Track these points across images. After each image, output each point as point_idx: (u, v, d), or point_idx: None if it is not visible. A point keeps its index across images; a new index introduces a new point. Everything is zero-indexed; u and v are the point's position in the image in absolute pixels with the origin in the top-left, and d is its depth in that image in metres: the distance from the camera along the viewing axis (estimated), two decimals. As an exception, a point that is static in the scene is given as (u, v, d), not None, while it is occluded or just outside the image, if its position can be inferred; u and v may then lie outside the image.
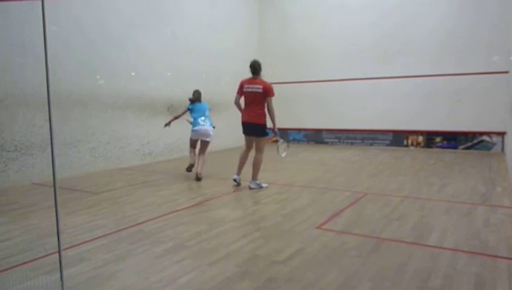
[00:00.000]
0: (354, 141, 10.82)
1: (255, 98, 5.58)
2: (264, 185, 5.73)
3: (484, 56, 9.08)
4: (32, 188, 5.99)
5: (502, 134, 9.00)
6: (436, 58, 9.59)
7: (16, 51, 6.08)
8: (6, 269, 2.99)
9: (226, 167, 7.76)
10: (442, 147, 9.69)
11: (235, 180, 5.82)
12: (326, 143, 11.27)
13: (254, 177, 5.69)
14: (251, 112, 5.64)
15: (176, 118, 7.07)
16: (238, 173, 5.86)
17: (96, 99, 7.38)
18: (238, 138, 11.37)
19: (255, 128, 5.67)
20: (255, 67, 5.68)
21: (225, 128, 10.70)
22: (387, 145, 10.30)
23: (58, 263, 2.63)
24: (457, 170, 6.90)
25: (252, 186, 5.65)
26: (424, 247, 3.31)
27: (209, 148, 11.50)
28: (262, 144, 5.74)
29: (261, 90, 5.56)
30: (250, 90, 5.61)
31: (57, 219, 2.59)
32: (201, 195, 5.36)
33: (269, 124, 5.77)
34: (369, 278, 2.73)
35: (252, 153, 5.85)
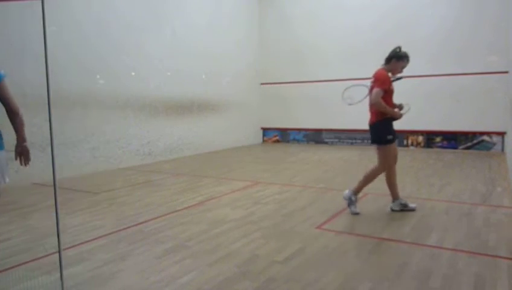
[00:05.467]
0: (354, 141, 10.82)
1: (369, 94, 4.38)
2: (355, 209, 4.30)
3: (484, 56, 9.08)
4: (32, 188, 5.99)
5: (502, 134, 9.00)
6: (436, 58, 9.58)
7: (16, 51, 6.09)
8: (6, 269, 2.99)
9: (226, 167, 7.77)
10: (442, 147, 9.69)
11: (391, 208, 4.40)
12: (326, 143, 11.26)
13: (356, 189, 4.36)
14: (370, 112, 4.40)
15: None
16: (392, 199, 4.42)
17: (96, 99, 7.38)
18: (238, 138, 11.43)
19: (370, 131, 4.43)
20: (388, 55, 4.35)
21: (225, 129, 10.72)
22: (387, 145, 10.28)
23: (58, 263, 2.63)
24: (457, 170, 6.90)
25: (345, 196, 4.38)
26: (424, 247, 3.31)
27: (210, 147, 11.52)
28: (381, 154, 4.35)
29: (372, 84, 4.29)
30: (369, 85, 4.41)
31: (57, 219, 2.59)
32: (201, 195, 5.36)
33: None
34: (369, 278, 2.73)
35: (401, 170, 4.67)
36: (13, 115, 2.71)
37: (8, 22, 6.02)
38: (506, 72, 8.68)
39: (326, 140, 11.27)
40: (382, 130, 4.27)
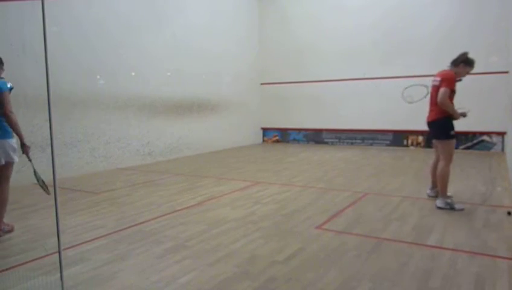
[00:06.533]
0: (354, 141, 10.82)
1: (432, 93, 4.61)
2: (457, 206, 4.39)
3: (484, 56, 9.07)
4: (32, 188, 5.98)
5: (502, 134, 9.00)
6: (436, 58, 9.54)
7: (15, 51, 6.09)
8: (7, 269, 2.99)
9: (226, 167, 7.77)
10: (442, 147, 9.69)
11: (428, 194, 4.94)
12: (326, 143, 11.26)
13: (440, 193, 4.52)
14: (429, 109, 4.70)
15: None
16: (432, 186, 4.92)
17: (96, 99, 7.38)
18: (238, 138, 11.43)
19: (430, 127, 4.71)
20: (457, 58, 4.58)
21: (225, 129, 10.72)
22: (387, 145, 10.29)
23: (58, 263, 2.63)
24: (457, 170, 6.89)
25: (438, 204, 4.48)
26: (424, 247, 3.31)
27: (210, 147, 11.51)
28: (443, 149, 4.50)
29: (437, 84, 4.47)
30: (431, 84, 4.66)
31: (57, 219, 2.59)
32: (201, 195, 5.36)
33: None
34: (369, 278, 2.73)
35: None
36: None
37: (8, 22, 6.03)
38: (506, 72, 8.68)
39: (326, 140, 11.27)
40: (445, 126, 4.46)
